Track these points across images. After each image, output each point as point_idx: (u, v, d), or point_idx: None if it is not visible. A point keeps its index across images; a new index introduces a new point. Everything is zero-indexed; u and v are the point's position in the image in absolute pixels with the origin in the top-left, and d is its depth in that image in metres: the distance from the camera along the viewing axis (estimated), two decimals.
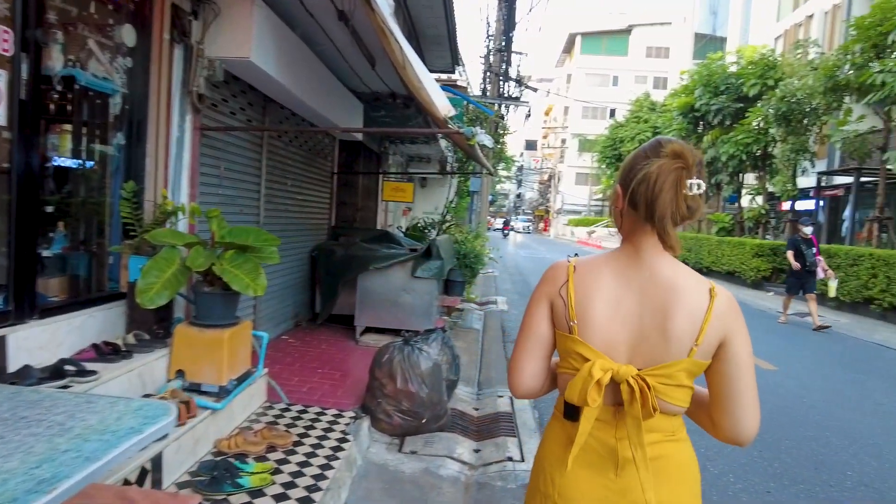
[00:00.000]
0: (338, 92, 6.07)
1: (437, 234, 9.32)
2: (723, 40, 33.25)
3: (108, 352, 2.88)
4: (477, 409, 4.47)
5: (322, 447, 3.18)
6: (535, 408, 4.47)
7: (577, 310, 1.20)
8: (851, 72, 12.24)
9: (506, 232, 44.41)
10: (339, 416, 3.66)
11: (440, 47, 10.56)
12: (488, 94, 16.39)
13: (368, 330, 5.86)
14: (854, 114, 13.11)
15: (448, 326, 7.09)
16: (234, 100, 4.57)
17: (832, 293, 9.69)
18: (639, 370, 1.16)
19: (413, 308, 5.71)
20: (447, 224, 10.21)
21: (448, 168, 13.03)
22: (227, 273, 3.02)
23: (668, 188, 1.12)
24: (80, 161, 3.11)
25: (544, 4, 47.16)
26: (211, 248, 3.22)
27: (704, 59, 19.25)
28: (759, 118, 15.74)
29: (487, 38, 16.20)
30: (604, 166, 37.53)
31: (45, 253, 2.88)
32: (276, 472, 2.85)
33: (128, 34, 3.21)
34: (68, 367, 2.51)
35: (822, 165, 17.29)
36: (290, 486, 2.73)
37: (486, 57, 16.59)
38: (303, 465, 2.96)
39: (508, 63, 16.52)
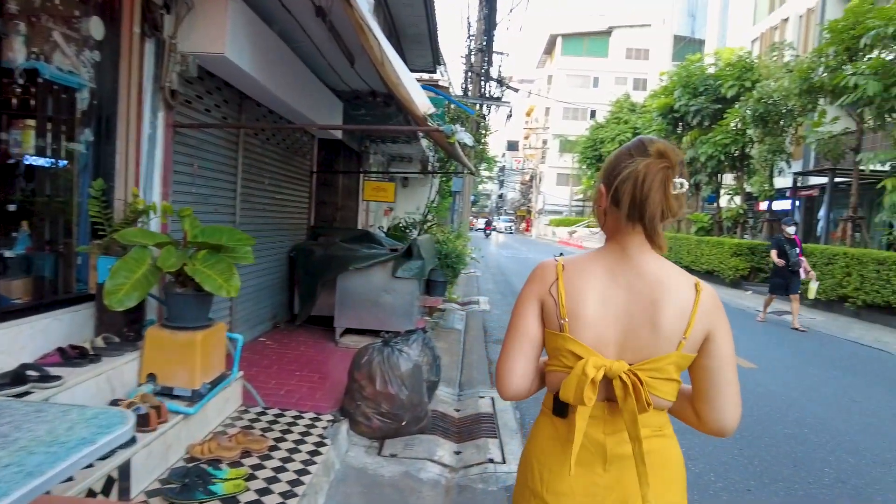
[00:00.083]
0: (316, 89, 5.98)
1: (419, 234, 9.26)
2: (701, 42, 33.76)
3: (75, 356, 2.77)
4: (458, 411, 4.43)
5: (299, 451, 3.11)
6: (516, 408, 4.43)
7: (568, 307, 1.20)
8: (825, 74, 12.44)
9: (488, 232, 44.48)
10: (317, 419, 3.58)
11: (421, 46, 10.50)
12: (470, 93, 16.38)
13: (348, 331, 5.78)
14: (828, 115, 13.33)
15: (430, 327, 7.04)
16: (209, 96, 4.46)
17: (812, 294, 9.68)
18: (630, 365, 1.17)
19: (394, 309, 5.64)
20: (429, 224, 10.15)
21: (429, 168, 12.97)
22: (199, 273, 2.93)
23: (657, 188, 1.14)
24: (46, 158, 3.00)
25: (525, 5, 47.28)
26: (183, 248, 3.13)
27: (683, 61, 19.44)
28: (737, 119, 15.93)
29: (469, 37, 16.19)
30: (584, 167, 37.74)
31: (8, 254, 2.77)
32: (251, 477, 2.77)
33: (95, 27, 3.10)
34: (30, 373, 2.40)
35: (797, 166, 17.58)
36: (264, 492, 2.65)
37: (468, 57, 16.57)
38: (278, 470, 2.88)
39: (490, 63, 16.53)
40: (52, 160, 3.03)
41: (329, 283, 5.72)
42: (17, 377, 2.34)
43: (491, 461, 3.42)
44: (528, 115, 67.64)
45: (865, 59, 11.36)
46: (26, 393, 2.31)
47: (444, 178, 15.92)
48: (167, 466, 2.71)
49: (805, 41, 19.87)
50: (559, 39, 51.94)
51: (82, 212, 3.22)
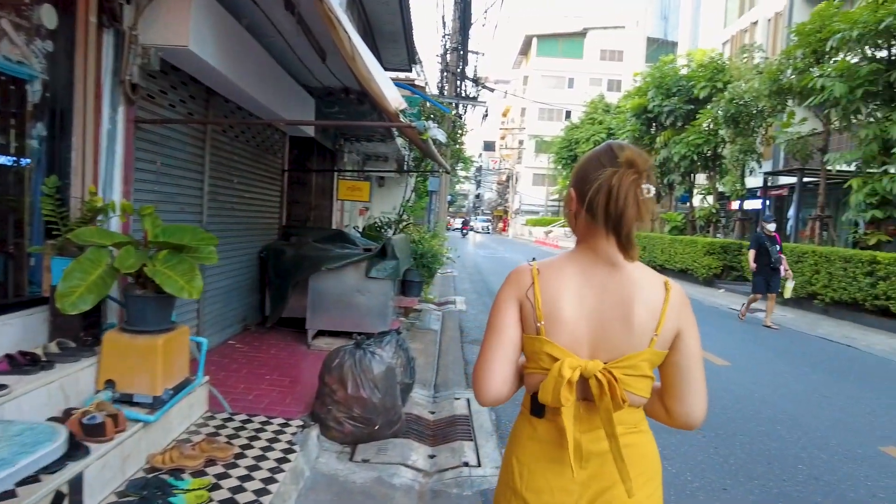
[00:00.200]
0: (287, 86, 5.84)
1: (394, 234, 9.16)
2: (674, 44, 34.26)
3: (25, 363, 2.62)
4: (433, 413, 4.35)
5: (266, 459, 2.99)
6: (492, 410, 4.37)
7: (544, 311, 1.22)
8: (794, 76, 12.70)
9: (465, 232, 44.53)
10: (286, 424, 3.47)
11: (396, 44, 10.39)
12: (446, 93, 16.31)
13: (321, 333, 5.65)
14: (797, 117, 13.60)
15: (405, 327, 6.94)
16: (174, 91, 4.30)
17: (788, 294, 9.60)
18: (604, 364, 1.19)
19: (368, 310, 5.53)
20: (404, 223, 10.05)
21: (405, 167, 12.86)
22: (159, 275, 2.79)
23: (632, 203, 1.15)
24: None
25: (499, 4, 47.39)
26: (143, 249, 2.99)
27: (657, 63, 19.68)
28: (709, 120, 16.17)
29: (444, 36, 16.12)
30: (560, 167, 38.00)
31: None
32: (215, 487, 2.65)
33: (48, 15, 2.94)
34: None
35: (768, 166, 17.93)
36: (229, 502, 2.54)
37: (443, 56, 16.51)
38: (244, 479, 2.77)
39: (465, 62, 16.48)
40: (1, 156, 2.87)
41: (301, 284, 5.58)
42: None
43: (466, 465, 3.35)
44: (504, 115, 67.88)
45: (832, 62, 11.61)
46: None
47: (420, 178, 15.82)
48: (125, 478, 2.57)
49: (774, 44, 20.29)
50: (535, 40, 52.24)
51: (35, 210, 3.06)
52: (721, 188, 17.77)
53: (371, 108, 6.79)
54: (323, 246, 5.91)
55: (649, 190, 1.18)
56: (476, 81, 17.57)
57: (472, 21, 17.33)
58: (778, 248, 9.03)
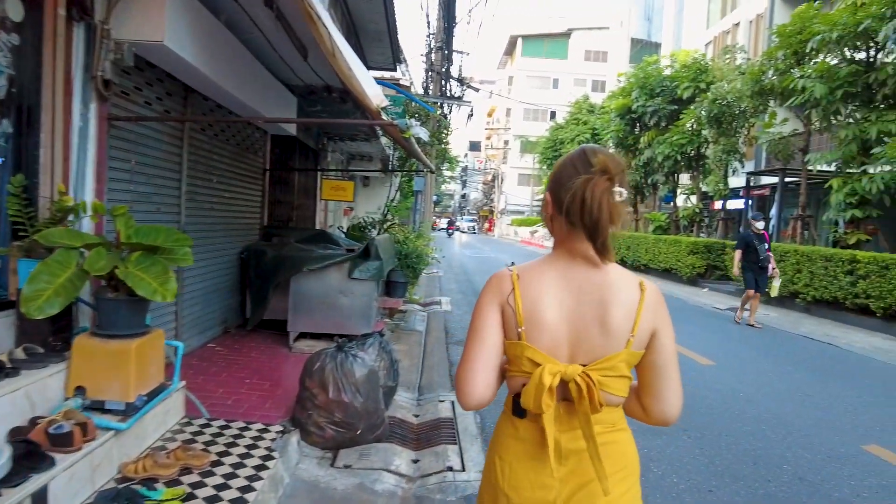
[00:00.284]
0: (268, 83, 5.73)
1: (378, 234, 9.07)
2: (657, 45, 34.50)
3: None
4: (417, 416, 4.28)
5: (244, 466, 2.91)
6: (477, 412, 4.32)
7: (525, 316, 1.25)
8: (775, 77, 12.80)
9: (451, 232, 44.50)
10: (266, 430, 3.38)
11: (381, 43, 10.30)
12: (431, 92, 16.24)
13: (303, 336, 5.55)
14: (778, 117, 13.73)
15: (390, 329, 6.87)
16: (150, 88, 4.19)
17: (774, 293, 9.58)
18: (583, 366, 1.22)
19: (351, 311, 5.45)
20: (388, 223, 9.96)
21: (390, 167, 12.76)
22: (131, 277, 2.70)
23: (605, 211, 1.18)
24: None
25: (483, 4, 47.46)
26: (115, 250, 2.89)
27: (640, 63, 19.77)
28: (693, 120, 16.27)
29: (428, 36, 16.05)
30: (545, 167, 38.10)
31: None
32: (190, 497, 2.56)
33: (13, 7, 2.82)
34: None
35: (750, 166, 18.08)
36: None
37: (428, 55, 16.44)
38: (221, 487, 2.68)
39: (450, 62, 16.43)
40: None
41: (283, 286, 5.48)
42: None
43: (450, 469, 3.29)
44: (489, 115, 67.96)
45: (812, 63, 11.73)
46: None
47: (405, 178, 15.73)
48: (94, 489, 2.47)
49: (755, 45, 20.49)
50: (519, 41, 52.35)
51: (1, 210, 2.94)
52: (704, 188, 17.91)
53: (354, 106, 6.70)
54: (305, 246, 5.81)
55: (621, 194, 1.20)
56: (461, 81, 17.53)
57: (457, 21, 17.30)
58: (766, 246, 9.00)
